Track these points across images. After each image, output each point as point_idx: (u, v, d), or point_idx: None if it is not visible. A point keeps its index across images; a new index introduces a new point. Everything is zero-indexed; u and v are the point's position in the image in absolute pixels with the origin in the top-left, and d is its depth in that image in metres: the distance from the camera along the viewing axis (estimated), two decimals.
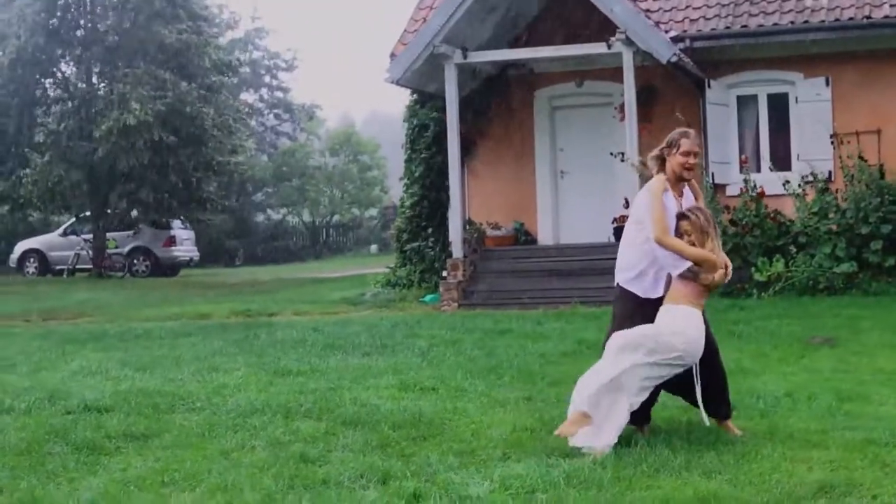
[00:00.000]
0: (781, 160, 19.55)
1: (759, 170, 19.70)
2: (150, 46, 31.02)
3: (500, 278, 19.26)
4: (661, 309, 7.20)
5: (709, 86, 19.47)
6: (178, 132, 30.85)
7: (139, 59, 31.30)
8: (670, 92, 19.79)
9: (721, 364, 7.61)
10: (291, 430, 7.61)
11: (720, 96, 19.74)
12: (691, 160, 7.39)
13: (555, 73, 20.95)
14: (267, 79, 53.93)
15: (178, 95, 30.49)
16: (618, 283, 7.51)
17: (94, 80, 32.85)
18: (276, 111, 54.83)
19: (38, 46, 30.62)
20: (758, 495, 5.90)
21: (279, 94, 54.41)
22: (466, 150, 21.35)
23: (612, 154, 19.43)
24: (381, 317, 16.77)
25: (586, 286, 18.31)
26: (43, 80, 32.84)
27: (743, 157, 19.51)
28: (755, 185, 18.41)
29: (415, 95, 22.42)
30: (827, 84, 19.23)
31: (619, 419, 7.01)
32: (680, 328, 7.06)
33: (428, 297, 19.46)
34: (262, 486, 6.18)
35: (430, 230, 21.87)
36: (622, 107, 18.57)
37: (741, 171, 19.20)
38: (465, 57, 19.28)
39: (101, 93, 31.73)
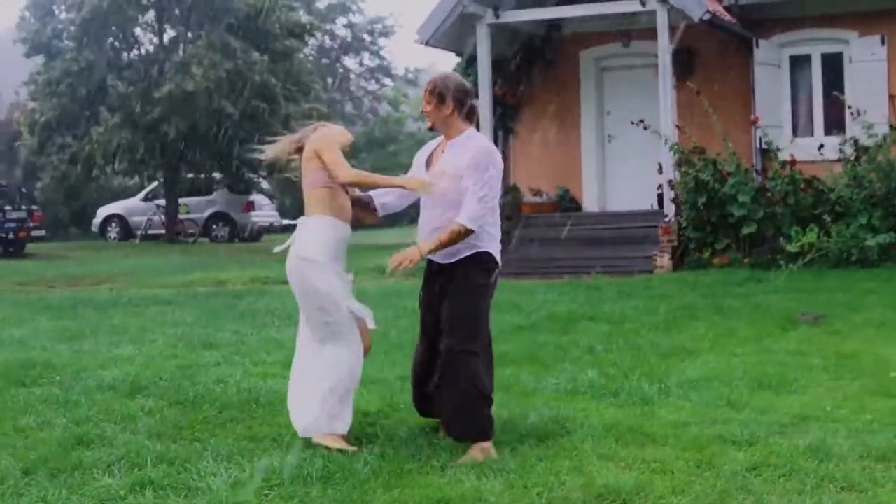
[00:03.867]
0: (835, 123, 18.35)
1: (812, 133, 18.54)
2: (220, 11, 30.72)
3: (531, 247, 18.53)
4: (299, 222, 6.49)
5: (757, 45, 18.34)
6: (240, 102, 30.49)
7: (209, 24, 31.04)
8: (716, 52, 18.74)
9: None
10: (107, 409, 7.08)
11: (770, 56, 18.58)
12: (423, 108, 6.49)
13: (601, 33, 20.02)
14: (369, 43, 53.49)
15: (247, 64, 30.16)
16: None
17: (167, 43, 32.79)
18: (376, 76, 54.41)
19: (112, 8, 30.49)
20: (520, 500, 5.17)
21: (378, 60, 54.03)
22: (511, 114, 20.67)
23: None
24: (387, 285, 16.19)
25: (616, 255, 17.56)
26: (116, 42, 32.78)
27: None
28: (777, 149, 17.05)
29: (460, 58, 21.71)
30: (882, 43, 17.95)
31: None
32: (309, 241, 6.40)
33: None
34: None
35: None
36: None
37: (782, 133, 17.92)
38: (496, 17, 18.54)
39: (170, 57, 31.62)
